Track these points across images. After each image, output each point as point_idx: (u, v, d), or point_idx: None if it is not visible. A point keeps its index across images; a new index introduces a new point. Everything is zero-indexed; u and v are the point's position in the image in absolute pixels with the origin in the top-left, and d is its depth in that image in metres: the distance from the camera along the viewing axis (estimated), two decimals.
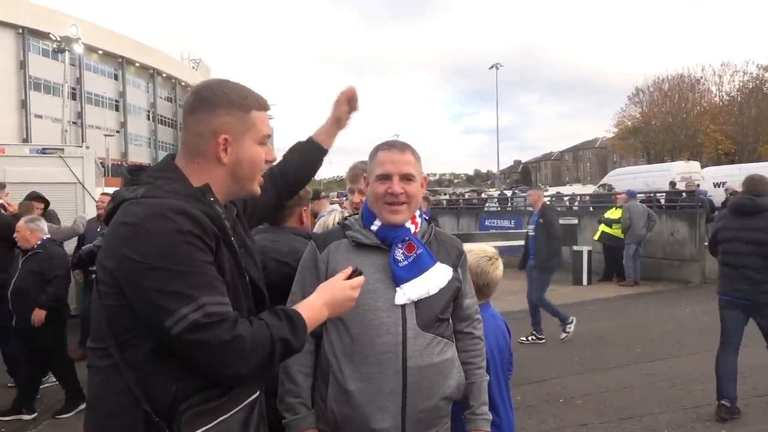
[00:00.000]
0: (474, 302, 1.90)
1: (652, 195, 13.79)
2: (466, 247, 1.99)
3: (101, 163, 15.60)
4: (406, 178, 1.71)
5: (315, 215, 3.27)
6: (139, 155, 53.78)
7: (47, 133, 36.68)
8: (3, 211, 5.81)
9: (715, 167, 28.05)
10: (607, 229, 10.91)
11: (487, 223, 16.02)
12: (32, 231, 4.60)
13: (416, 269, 1.68)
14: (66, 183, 7.47)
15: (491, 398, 1.94)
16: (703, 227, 10.65)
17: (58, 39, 26.75)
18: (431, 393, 1.67)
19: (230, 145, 1.32)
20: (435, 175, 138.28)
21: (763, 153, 40.30)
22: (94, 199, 7.43)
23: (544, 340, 6.66)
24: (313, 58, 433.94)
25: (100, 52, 48.89)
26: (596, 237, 11.18)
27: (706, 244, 10.77)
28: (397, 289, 1.66)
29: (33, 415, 4.61)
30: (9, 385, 5.20)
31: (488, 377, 1.94)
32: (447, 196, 31.41)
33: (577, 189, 30.92)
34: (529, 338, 6.71)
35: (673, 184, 18.92)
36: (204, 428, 1.21)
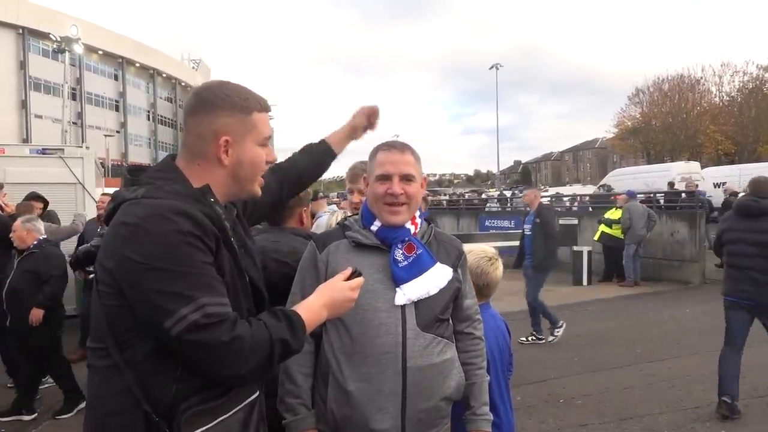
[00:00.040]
0: (474, 303, 1.89)
1: (651, 195, 13.79)
2: (466, 247, 1.99)
3: (101, 163, 15.59)
4: (406, 178, 1.71)
5: (312, 215, 3.28)
6: (139, 155, 53.79)
7: (47, 134, 36.73)
8: (0, 212, 5.80)
9: (715, 167, 28.08)
10: (607, 230, 10.91)
11: (487, 223, 16.01)
12: (29, 231, 4.60)
13: (416, 270, 1.68)
14: (66, 183, 7.47)
15: (491, 398, 1.94)
16: (704, 228, 10.65)
17: (58, 39, 26.79)
18: (431, 393, 1.67)
19: (231, 147, 1.33)
20: (435, 175, 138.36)
21: (763, 153, 40.31)
22: (94, 199, 7.43)
23: (544, 341, 6.66)
24: (313, 58, 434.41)
25: (100, 52, 48.91)
26: (596, 237, 11.18)
27: (706, 244, 10.86)
28: (396, 289, 1.66)
29: (33, 416, 4.61)
30: (9, 385, 5.19)
31: (489, 377, 1.94)
32: (447, 197, 31.39)
33: (577, 189, 30.91)
34: (530, 338, 6.71)
35: (671, 184, 18.94)
36: (204, 428, 1.21)
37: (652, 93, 50.92)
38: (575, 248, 10.97)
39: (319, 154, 1.96)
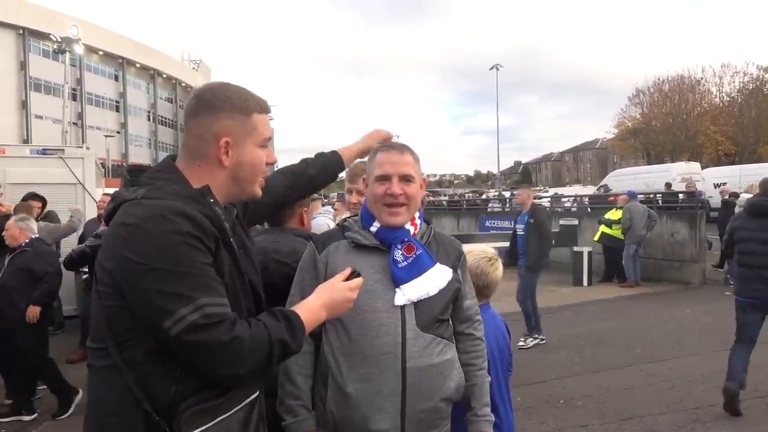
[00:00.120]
0: (474, 303, 1.89)
1: (651, 196, 13.78)
2: (466, 247, 1.99)
3: (101, 163, 15.61)
4: (405, 179, 1.71)
5: None
6: (140, 156, 53.81)
7: (48, 134, 36.74)
8: None
9: (715, 168, 28.11)
10: (607, 230, 10.90)
11: (487, 224, 16.00)
12: (21, 230, 4.61)
13: (416, 270, 1.68)
14: (66, 184, 7.49)
15: (492, 399, 1.94)
16: (704, 228, 10.64)
17: (59, 40, 26.78)
18: (431, 394, 1.67)
19: (231, 148, 1.33)
20: (435, 176, 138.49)
21: (764, 154, 40.30)
22: (94, 199, 7.44)
23: (544, 341, 6.66)
24: (313, 59, 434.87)
25: (101, 52, 48.95)
26: (596, 238, 11.18)
27: (706, 244, 10.86)
28: (396, 290, 1.66)
29: (33, 416, 4.61)
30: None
31: (490, 378, 1.93)
32: (447, 197, 31.40)
33: (577, 190, 30.93)
34: (536, 337, 6.70)
35: (668, 185, 18.93)
36: (204, 427, 1.21)
37: (652, 94, 50.94)
38: (575, 249, 10.96)
39: (331, 164, 1.99)
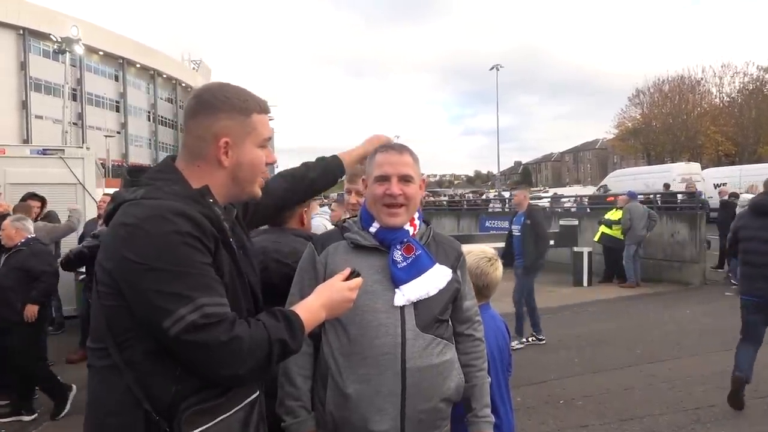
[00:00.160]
0: (474, 304, 1.89)
1: (651, 196, 13.79)
2: (466, 248, 1.99)
3: (102, 164, 15.61)
4: (405, 179, 1.71)
5: None
6: (140, 156, 53.83)
7: (48, 134, 36.78)
8: None
9: (715, 168, 28.13)
10: (607, 230, 10.90)
11: (487, 224, 16.00)
12: (17, 230, 4.61)
13: (415, 270, 1.68)
14: (66, 184, 7.49)
15: (492, 399, 1.94)
16: (704, 229, 10.64)
17: (59, 40, 26.78)
18: (431, 394, 1.66)
19: (231, 149, 1.33)
20: (435, 176, 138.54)
21: (764, 154, 40.29)
22: (94, 199, 7.44)
23: (544, 341, 6.66)
24: (314, 59, 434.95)
25: (101, 53, 48.97)
26: (596, 238, 11.18)
27: (705, 245, 10.86)
28: (396, 290, 1.66)
29: (33, 416, 4.61)
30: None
31: (490, 379, 1.93)
32: (446, 198, 31.41)
33: (577, 190, 30.93)
34: (529, 339, 6.71)
35: (667, 186, 18.94)
36: (204, 427, 1.21)
37: (652, 94, 50.92)
38: (575, 249, 10.96)
39: (332, 168, 2.00)
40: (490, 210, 18.58)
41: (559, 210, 16.07)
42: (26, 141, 37.09)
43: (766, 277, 4.19)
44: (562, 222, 11.85)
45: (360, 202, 1.87)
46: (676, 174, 22.31)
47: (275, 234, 2.24)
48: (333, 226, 2.23)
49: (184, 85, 62.43)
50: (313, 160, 2.04)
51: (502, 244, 7.23)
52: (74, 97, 44.14)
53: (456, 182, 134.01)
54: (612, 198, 14.12)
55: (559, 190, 32.51)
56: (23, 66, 42.47)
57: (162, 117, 60.39)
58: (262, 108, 1.40)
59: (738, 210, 8.65)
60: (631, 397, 4.83)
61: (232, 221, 1.42)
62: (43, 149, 7.86)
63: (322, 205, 7.09)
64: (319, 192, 2.10)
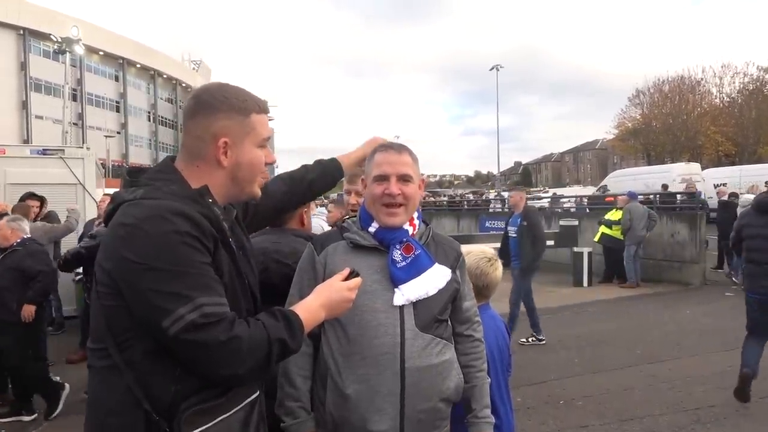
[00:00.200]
0: (473, 304, 1.89)
1: (651, 197, 13.78)
2: (466, 248, 1.99)
3: (102, 164, 15.61)
4: (404, 179, 1.71)
5: None
6: (140, 156, 53.84)
7: (48, 134, 36.79)
8: None
9: (715, 169, 28.14)
10: (607, 231, 10.90)
11: (487, 224, 16.00)
12: (13, 230, 4.61)
13: (414, 270, 1.67)
14: (67, 184, 7.49)
15: (491, 400, 1.93)
16: (704, 229, 10.65)
17: (59, 40, 26.79)
18: (430, 394, 1.66)
19: (230, 149, 1.33)
20: (435, 176, 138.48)
21: (764, 155, 40.29)
22: (94, 199, 7.44)
23: (544, 341, 6.66)
24: (313, 59, 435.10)
25: (101, 53, 48.98)
26: (596, 239, 11.18)
27: (705, 245, 10.86)
28: (395, 290, 1.66)
29: (33, 416, 4.61)
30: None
31: (489, 379, 1.93)
32: (446, 198, 31.41)
33: (577, 190, 30.93)
34: (530, 339, 6.71)
35: (665, 186, 18.93)
36: (204, 427, 1.21)
37: (652, 94, 50.92)
38: (575, 249, 10.96)
39: (330, 170, 2.00)
40: (490, 210, 18.58)
41: (559, 210, 16.07)
42: (26, 141, 37.10)
43: None
44: (562, 222, 11.85)
45: (360, 203, 1.87)
46: (676, 174, 22.31)
47: (275, 234, 2.24)
48: (329, 227, 2.23)
49: (184, 85, 62.45)
50: (312, 163, 2.05)
51: None
52: (74, 98, 44.15)
53: (456, 182, 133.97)
54: (612, 198, 14.11)
55: (559, 191, 32.52)
56: (23, 66, 42.49)
57: (162, 117, 60.41)
58: (261, 108, 1.40)
59: (739, 210, 8.66)
60: (631, 398, 4.83)
61: (232, 221, 1.42)
62: (43, 149, 7.86)
63: (320, 206, 7.08)
64: (318, 194, 2.09)
